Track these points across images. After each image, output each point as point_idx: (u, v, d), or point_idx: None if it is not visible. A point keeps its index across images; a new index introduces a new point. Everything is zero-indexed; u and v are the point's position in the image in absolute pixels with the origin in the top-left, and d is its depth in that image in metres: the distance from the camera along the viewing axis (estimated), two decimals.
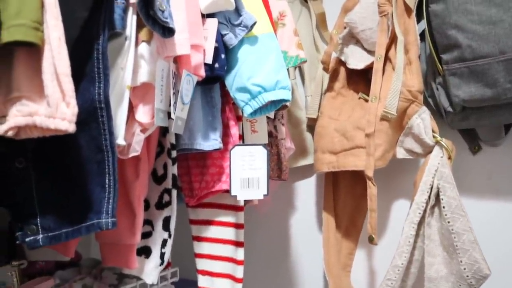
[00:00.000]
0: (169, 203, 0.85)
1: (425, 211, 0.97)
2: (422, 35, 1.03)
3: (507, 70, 0.86)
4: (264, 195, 0.84)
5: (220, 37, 0.80)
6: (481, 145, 1.09)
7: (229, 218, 0.96)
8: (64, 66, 0.52)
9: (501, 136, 1.07)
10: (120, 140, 0.66)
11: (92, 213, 0.63)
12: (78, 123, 0.60)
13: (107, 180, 0.63)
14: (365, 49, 1.10)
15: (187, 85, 0.72)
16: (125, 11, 0.66)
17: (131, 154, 0.71)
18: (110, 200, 0.62)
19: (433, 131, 0.99)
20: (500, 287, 1.04)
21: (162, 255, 0.87)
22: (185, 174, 0.96)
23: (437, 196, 0.96)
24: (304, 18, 1.27)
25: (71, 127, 0.53)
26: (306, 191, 1.30)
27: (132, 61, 0.67)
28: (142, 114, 0.72)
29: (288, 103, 0.92)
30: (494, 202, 1.08)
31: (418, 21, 1.03)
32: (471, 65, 0.90)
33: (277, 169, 1.08)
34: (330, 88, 1.16)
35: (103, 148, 0.62)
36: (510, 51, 0.85)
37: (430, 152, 0.99)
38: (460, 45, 0.90)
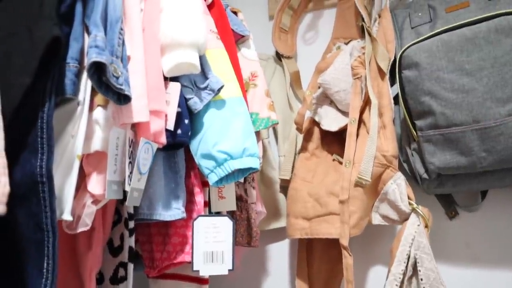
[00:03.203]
0: (124, 279, 0.78)
1: (402, 282, 0.93)
2: (396, 98, 1.01)
3: (482, 139, 0.84)
4: (229, 270, 0.78)
5: (184, 101, 0.75)
6: (458, 210, 1.06)
7: None
8: None
9: (478, 202, 1.04)
10: (66, 216, 0.60)
11: None
12: (17, 197, 0.54)
13: (45, 264, 0.55)
14: (339, 110, 1.08)
15: (145, 154, 0.67)
16: (78, 75, 0.61)
17: (80, 229, 0.65)
18: None
19: (409, 198, 0.95)
20: None
21: None
22: (147, 242, 0.89)
23: (414, 266, 0.92)
24: (278, 77, 1.25)
25: (1, 209, 0.46)
26: (278, 256, 1.24)
27: (84, 128, 0.62)
28: (95, 184, 0.66)
29: (259, 168, 0.87)
30: (473, 270, 1.04)
31: (392, 84, 1.01)
32: (445, 132, 0.88)
33: (247, 235, 1.01)
34: (304, 148, 1.13)
35: (43, 227, 0.55)
36: (483, 120, 0.84)
37: (406, 219, 0.95)
38: (434, 112, 0.88)
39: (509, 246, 1.01)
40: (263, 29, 1.29)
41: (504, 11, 0.84)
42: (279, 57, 1.26)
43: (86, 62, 0.56)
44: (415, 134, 0.95)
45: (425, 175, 0.96)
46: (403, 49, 0.93)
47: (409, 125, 0.95)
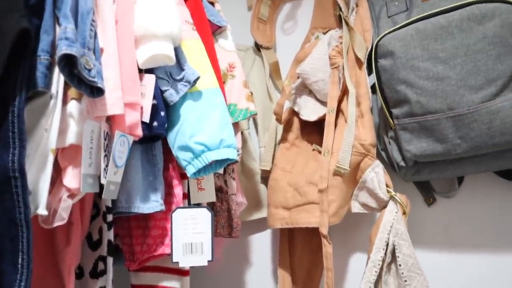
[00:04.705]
0: (104, 272, 0.77)
1: (381, 268, 0.94)
2: (373, 88, 1.02)
3: (456, 127, 0.86)
4: (209, 261, 0.78)
5: (159, 93, 0.75)
6: (436, 196, 1.08)
7: (173, 283, 0.88)
8: None
9: (455, 188, 1.06)
10: (41, 210, 0.59)
11: None
12: None
13: (20, 259, 0.55)
14: (318, 100, 1.08)
15: (121, 147, 0.66)
16: (50, 68, 0.60)
17: (57, 223, 0.64)
18: (22, 283, 0.54)
19: (387, 186, 0.96)
20: None
21: None
22: (126, 236, 0.88)
23: (393, 253, 0.93)
24: (257, 67, 1.25)
25: None
26: (260, 246, 1.24)
27: (58, 122, 0.61)
28: (71, 178, 0.65)
29: (238, 158, 0.87)
30: (450, 254, 1.06)
31: (369, 73, 1.02)
32: (421, 120, 0.89)
33: (227, 226, 1.02)
34: (284, 139, 1.13)
35: (17, 222, 0.55)
36: (457, 107, 0.85)
37: (385, 206, 0.96)
38: (410, 100, 0.90)
39: (485, 230, 1.03)
40: (242, 19, 1.28)
41: None
42: (258, 47, 1.26)
43: (57, 54, 0.55)
44: (392, 122, 0.96)
45: (402, 163, 0.97)
46: (378, 38, 0.94)
47: (386, 114, 0.96)
